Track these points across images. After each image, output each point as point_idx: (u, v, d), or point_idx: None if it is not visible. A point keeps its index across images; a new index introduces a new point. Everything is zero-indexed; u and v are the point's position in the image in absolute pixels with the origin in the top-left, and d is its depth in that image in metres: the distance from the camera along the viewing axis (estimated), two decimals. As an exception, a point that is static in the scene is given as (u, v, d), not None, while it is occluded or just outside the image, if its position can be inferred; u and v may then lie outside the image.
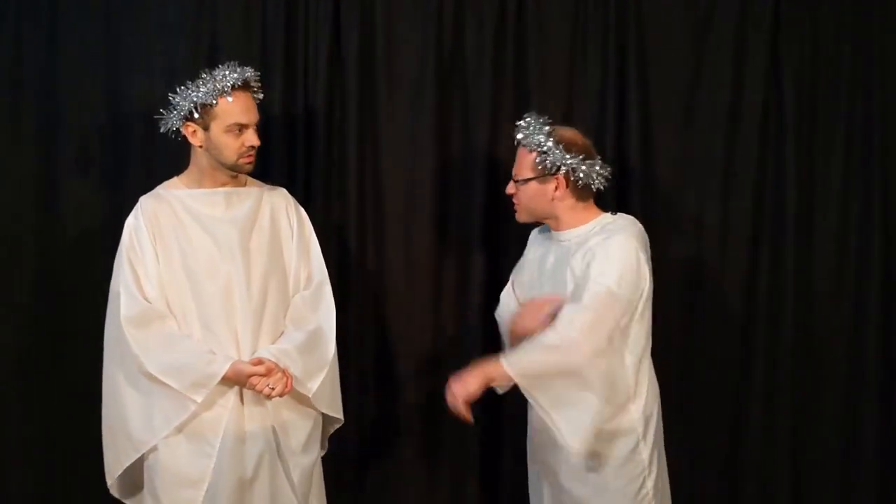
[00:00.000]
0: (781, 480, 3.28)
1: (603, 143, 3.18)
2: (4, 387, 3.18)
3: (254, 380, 2.44)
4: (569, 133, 2.58)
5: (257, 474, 2.52)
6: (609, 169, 2.60)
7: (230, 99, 2.51)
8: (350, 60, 3.16)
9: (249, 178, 2.72)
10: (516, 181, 2.60)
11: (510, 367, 2.41)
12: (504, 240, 3.23)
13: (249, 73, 2.56)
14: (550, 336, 2.40)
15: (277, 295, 2.61)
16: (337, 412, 2.69)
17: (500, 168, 3.23)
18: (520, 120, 2.61)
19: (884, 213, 3.26)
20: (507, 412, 3.26)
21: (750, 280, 3.26)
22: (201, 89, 2.51)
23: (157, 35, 3.14)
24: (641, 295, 2.49)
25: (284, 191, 2.76)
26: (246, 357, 2.50)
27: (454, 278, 3.23)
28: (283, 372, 2.47)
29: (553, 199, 2.57)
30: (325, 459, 2.79)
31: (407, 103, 3.20)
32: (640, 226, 2.61)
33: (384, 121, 3.20)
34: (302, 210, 2.75)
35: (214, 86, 2.50)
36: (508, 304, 2.77)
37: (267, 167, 3.04)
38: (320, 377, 2.57)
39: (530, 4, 3.18)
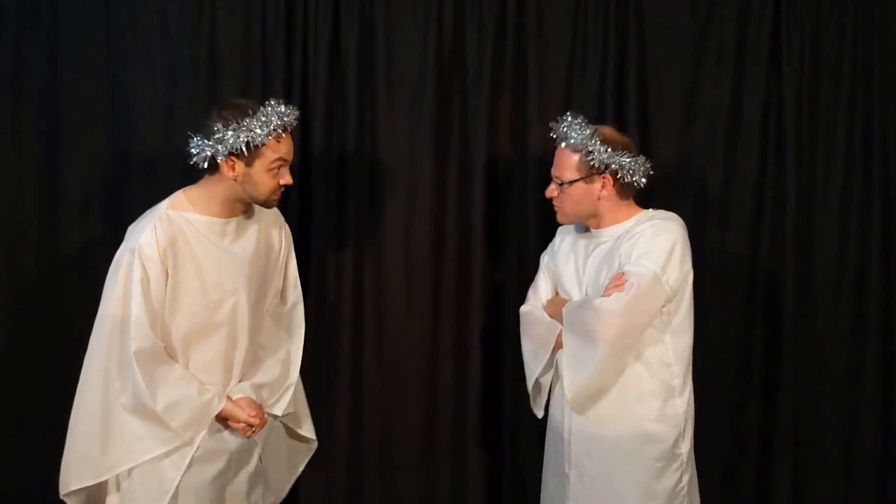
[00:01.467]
0: (781, 480, 3.28)
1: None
2: (4, 388, 3.18)
3: (243, 427, 2.47)
4: (609, 131, 2.58)
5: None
6: (650, 164, 2.60)
7: (279, 140, 2.40)
8: (350, 61, 3.16)
9: None
10: (560, 183, 2.58)
11: (566, 309, 2.57)
12: (504, 240, 3.24)
13: (294, 114, 2.46)
14: (599, 300, 2.48)
15: (262, 319, 2.62)
16: (304, 430, 2.74)
17: (499, 168, 3.23)
18: (558, 120, 2.58)
19: (884, 212, 3.26)
20: (506, 413, 3.27)
21: (750, 280, 3.27)
22: (256, 130, 2.37)
23: (158, 36, 3.14)
24: (684, 286, 2.53)
25: (278, 214, 2.69)
26: (233, 381, 2.52)
27: (454, 279, 3.23)
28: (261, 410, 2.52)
29: (599, 199, 2.57)
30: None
31: (407, 104, 3.19)
32: (682, 221, 2.62)
33: (384, 122, 3.19)
34: (287, 228, 2.70)
35: (269, 128, 2.38)
36: (540, 297, 2.76)
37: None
38: (286, 399, 2.60)
39: (530, 5, 3.18)
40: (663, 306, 2.50)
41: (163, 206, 2.45)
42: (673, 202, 3.22)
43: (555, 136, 2.60)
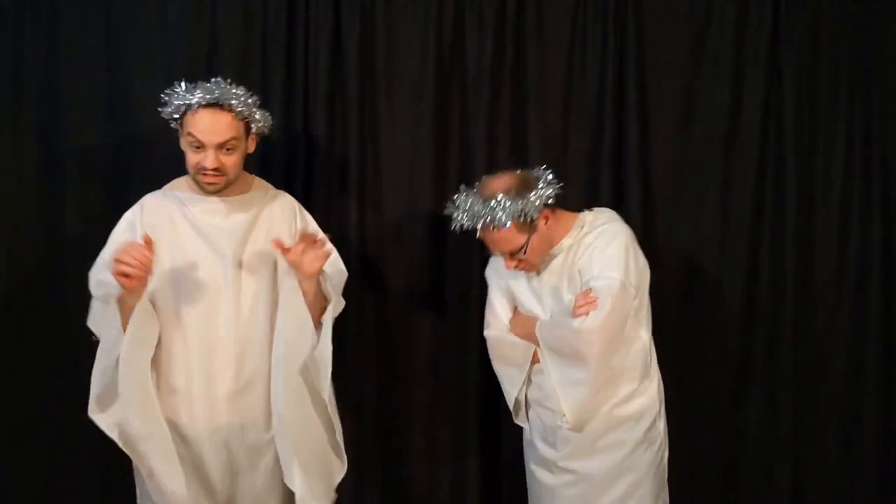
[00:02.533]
0: (781, 480, 3.28)
1: (602, 144, 3.18)
2: (4, 388, 3.18)
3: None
4: (499, 182, 2.55)
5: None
6: (549, 171, 2.60)
7: (194, 113, 2.44)
8: (350, 61, 3.16)
9: (256, 181, 2.68)
10: (518, 257, 2.57)
11: (539, 331, 2.60)
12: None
13: (232, 93, 2.46)
14: (577, 321, 2.48)
15: (266, 311, 2.55)
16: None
17: (499, 167, 3.23)
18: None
19: (884, 212, 3.26)
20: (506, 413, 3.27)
21: (750, 281, 3.26)
22: (175, 98, 2.46)
23: (158, 36, 3.14)
24: (644, 280, 2.59)
25: (289, 198, 2.70)
26: (228, 376, 2.51)
27: (454, 278, 3.23)
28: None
29: (549, 231, 2.59)
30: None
31: (407, 103, 3.19)
32: (618, 215, 2.69)
33: (384, 121, 3.19)
34: (307, 216, 2.69)
35: (184, 100, 2.44)
36: (500, 318, 2.75)
37: (267, 168, 3.04)
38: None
39: (530, 4, 3.18)
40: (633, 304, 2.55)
41: (164, 187, 2.62)
42: (672, 202, 3.24)
43: (468, 226, 2.54)
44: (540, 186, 2.54)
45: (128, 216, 2.57)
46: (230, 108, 2.46)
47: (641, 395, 2.62)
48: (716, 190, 3.24)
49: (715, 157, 3.24)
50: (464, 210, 2.54)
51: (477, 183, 2.62)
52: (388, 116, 3.20)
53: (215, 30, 3.14)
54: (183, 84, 2.49)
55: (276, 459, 2.57)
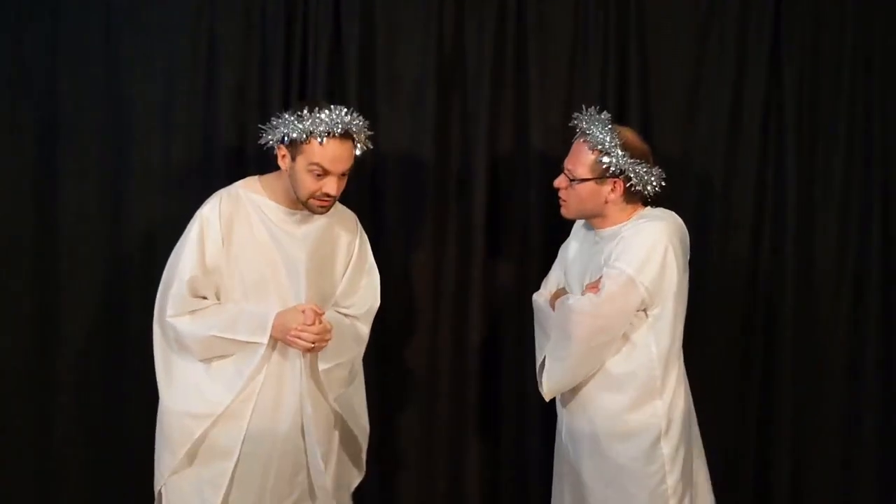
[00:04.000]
0: (781, 480, 3.28)
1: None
2: (4, 387, 3.17)
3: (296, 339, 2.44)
4: (630, 135, 2.55)
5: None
6: (663, 174, 2.59)
7: (321, 142, 2.42)
8: (350, 61, 3.15)
9: None
10: (571, 179, 2.56)
11: (558, 302, 2.59)
12: (504, 240, 3.23)
13: (355, 123, 2.46)
14: (574, 299, 2.53)
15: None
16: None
17: (499, 168, 3.23)
18: (579, 111, 2.57)
19: (884, 212, 3.26)
20: (506, 412, 3.26)
21: (750, 279, 3.26)
22: (297, 124, 2.42)
23: (157, 35, 3.13)
24: (667, 287, 2.49)
25: (351, 214, 2.72)
26: (296, 363, 2.53)
27: (454, 277, 3.23)
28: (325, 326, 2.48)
29: (606, 202, 2.56)
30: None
31: (407, 104, 3.19)
32: (678, 220, 2.60)
33: (384, 121, 3.19)
34: (365, 238, 2.73)
35: (309, 128, 2.41)
36: (549, 287, 2.76)
37: (267, 168, 3.03)
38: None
39: (530, 4, 3.18)
40: (642, 308, 2.49)
41: (236, 184, 2.59)
42: (673, 201, 3.23)
43: (576, 128, 2.57)
44: (639, 163, 2.51)
45: (205, 214, 2.51)
46: (353, 139, 2.47)
47: (641, 409, 2.51)
48: (716, 188, 3.24)
49: (716, 156, 3.24)
50: (591, 116, 2.55)
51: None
52: (389, 114, 3.19)
53: (215, 29, 3.13)
54: (305, 110, 2.44)
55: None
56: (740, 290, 3.25)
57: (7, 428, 3.18)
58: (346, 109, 2.46)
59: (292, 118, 2.44)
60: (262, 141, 2.50)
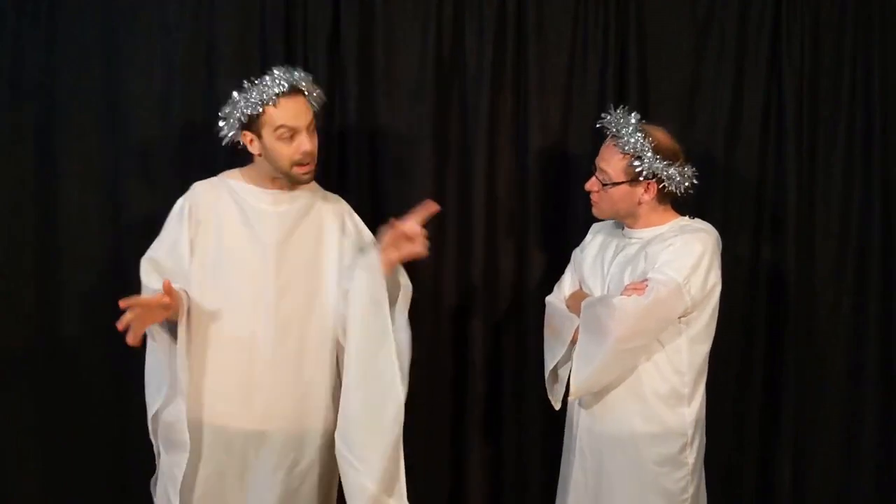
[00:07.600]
0: (782, 480, 3.28)
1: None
2: (5, 386, 3.17)
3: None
4: (661, 136, 2.54)
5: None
6: (696, 172, 2.58)
7: (275, 104, 2.45)
8: (349, 62, 3.16)
9: None
10: (604, 183, 2.55)
11: (584, 306, 2.52)
12: (504, 241, 3.23)
13: (297, 77, 2.50)
14: (617, 298, 2.47)
15: (306, 302, 2.55)
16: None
17: (499, 167, 3.23)
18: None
19: (884, 212, 3.26)
20: (506, 412, 3.27)
21: (750, 280, 3.26)
22: (247, 101, 2.46)
23: (156, 34, 3.13)
24: (708, 298, 2.49)
25: (340, 200, 2.71)
26: (266, 352, 2.50)
27: (454, 277, 3.23)
28: None
29: (640, 203, 2.55)
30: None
31: (406, 105, 3.19)
32: (716, 233, 2.59)
33: (383, 123, 3.19)
34: (357, 218, 2.70)
35: (259, 96, 2.45)
36: (564, 290, 2.74)
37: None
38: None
39: (530, 4, 3.18)
40: (682, 316, 2.48)
41: (219, 175, 2.62)
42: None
43: (605, 129, 2.56)
44: (671, 165, 2.51)
45: (179, 203, 2.56)
46: (303, 91, 2.51)
47: (668, 416, 2.50)
48: (716, 188, 3.24)
49: (716, 156, 3.24)
50: (619, 116, 2.54)
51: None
52: (388, 116, 3.19)
53: (214, 29, 3.14)
54: (245, 85, 2.49)
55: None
56: (741, 290, 3.25)
57: (7, 427, 3.18)
58: (284, 67, 2.51)
59: (238, 99, 2.47)
60: (223, 136, 2.51)
